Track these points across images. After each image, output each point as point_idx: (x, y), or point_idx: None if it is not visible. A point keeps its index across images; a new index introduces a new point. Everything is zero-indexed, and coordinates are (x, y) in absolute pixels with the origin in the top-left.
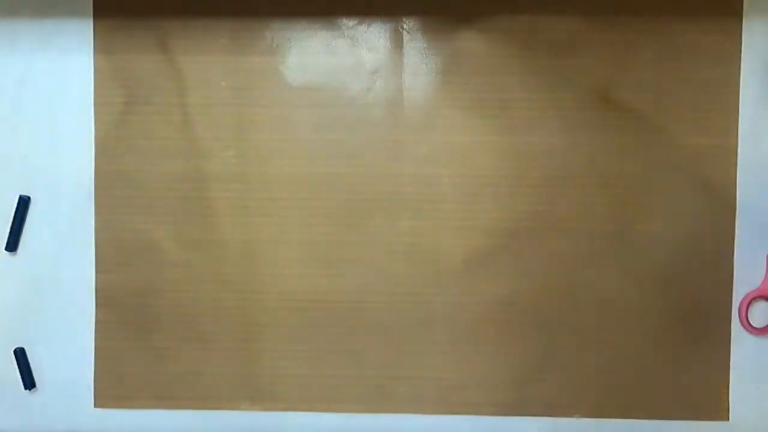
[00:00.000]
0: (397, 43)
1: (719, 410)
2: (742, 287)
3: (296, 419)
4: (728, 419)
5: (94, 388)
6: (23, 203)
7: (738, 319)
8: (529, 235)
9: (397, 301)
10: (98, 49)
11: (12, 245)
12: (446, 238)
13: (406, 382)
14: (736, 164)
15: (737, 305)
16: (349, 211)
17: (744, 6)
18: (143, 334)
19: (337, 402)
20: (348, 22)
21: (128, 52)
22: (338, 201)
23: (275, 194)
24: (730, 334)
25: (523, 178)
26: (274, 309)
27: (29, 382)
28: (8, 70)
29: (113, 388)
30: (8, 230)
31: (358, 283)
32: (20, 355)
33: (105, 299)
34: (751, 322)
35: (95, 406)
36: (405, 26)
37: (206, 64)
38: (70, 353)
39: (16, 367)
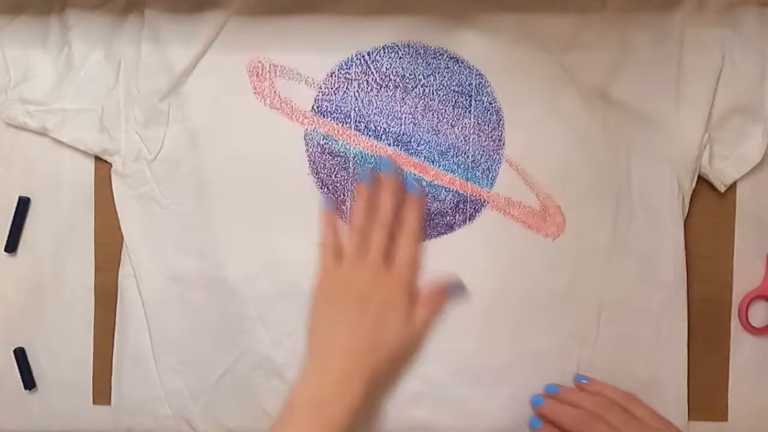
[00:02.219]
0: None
1: (718, 411)
2: (742, 287)
3: None
4: (727, 420)
5: (93, 386)
6: (23, 204)
7: (738, 319)
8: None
9: None
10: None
11: (12, 246)
12: None
13: None
14: None
15: (737, 305)
16: None
17: None
18: None
19: None
20: None
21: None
22: None
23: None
24: (729, 334)
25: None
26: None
27: (29, 382)
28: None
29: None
30: (8, 231)
31: None
32: (20, 355)
33: (104, 298)
34: (751, 322)
35: (94, 403)
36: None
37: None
38: (70, 353)
39: (16, 367)
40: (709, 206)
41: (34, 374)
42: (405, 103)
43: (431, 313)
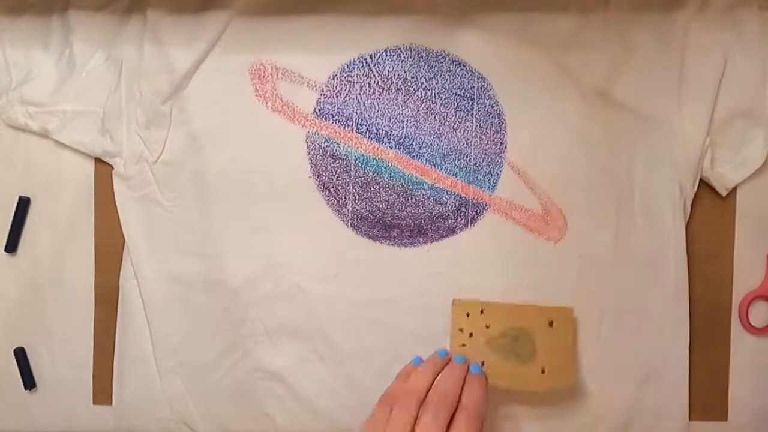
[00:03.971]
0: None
1: (718, 411)
2: (742, 287)
3: None
4: (727, 419)
5: (93, 385)
6: (23, 204)
7: (738, 319)
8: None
9: None
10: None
11: (12, 246)
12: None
13: None
14: None
15: (737, 305)
16: None
17: None
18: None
19: None
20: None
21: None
22: None
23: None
24: (729, 334)
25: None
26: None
27: (29, 382)
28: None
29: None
30: (8, 231)
31: None
32: (20, 355)
33: (104, 298)
34: (751, 322)
35: (94, 403)
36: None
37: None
38: (70, 353)
39: (16, 367)
40: (709, 207)
41: (34, 374)
42: (407, 106)
43: None
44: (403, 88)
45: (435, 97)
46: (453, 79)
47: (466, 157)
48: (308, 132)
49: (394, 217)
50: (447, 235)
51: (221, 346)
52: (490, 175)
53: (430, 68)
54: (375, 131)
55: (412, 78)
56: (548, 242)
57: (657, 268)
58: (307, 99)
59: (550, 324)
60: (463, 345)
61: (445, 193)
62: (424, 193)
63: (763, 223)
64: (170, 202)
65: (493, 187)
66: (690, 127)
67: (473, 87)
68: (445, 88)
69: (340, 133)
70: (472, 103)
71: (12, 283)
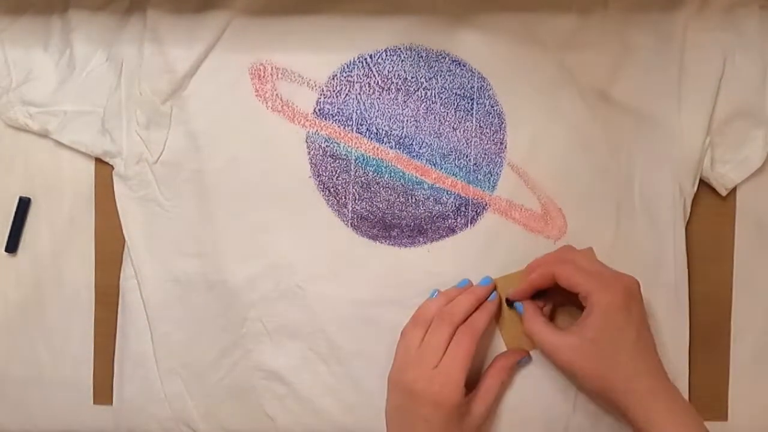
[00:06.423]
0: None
1: (718, 411)
2: (742, 287)
3: None
4: (727, 419)
5: (93, 385)
6: (23, 204)
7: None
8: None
9: None
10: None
11: (12, 246)
12: None
13: None
14: None
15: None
16: None
17: None
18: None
19: None
20: None
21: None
22: None
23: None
24: (730, 334)
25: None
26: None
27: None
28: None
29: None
30: (8, 231)
31: None
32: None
33: (104, 298)
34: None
35: (94, 403)
36: None
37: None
38: (70, 353)
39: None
40: (709, 207)
41: (34, 374)
42: (407, 106)
43: (486, 406)
44: (403, 88)
45: (435, 97)
46: (453, 79)
47: (466, 156)
48: (308, 132)
49: (394, 217)
50: (447, 235)
51: (221, 346)
52: (489, 175)
53: (430, 68)
54: (375, 131)
55: (412, 78)
56: (548, 242)
57: (657, 268)
58: (307, 99)
59: None
60: None
61: (445, 193)
62: (424, 193)
63: (763, 223)
64: (170, 202)
65: (493, 187)
66: (690, 127)
67: (473, 87)
68: (445, 88)
69: (340, 133)
70: (472, 103)
71: (12, 283)
